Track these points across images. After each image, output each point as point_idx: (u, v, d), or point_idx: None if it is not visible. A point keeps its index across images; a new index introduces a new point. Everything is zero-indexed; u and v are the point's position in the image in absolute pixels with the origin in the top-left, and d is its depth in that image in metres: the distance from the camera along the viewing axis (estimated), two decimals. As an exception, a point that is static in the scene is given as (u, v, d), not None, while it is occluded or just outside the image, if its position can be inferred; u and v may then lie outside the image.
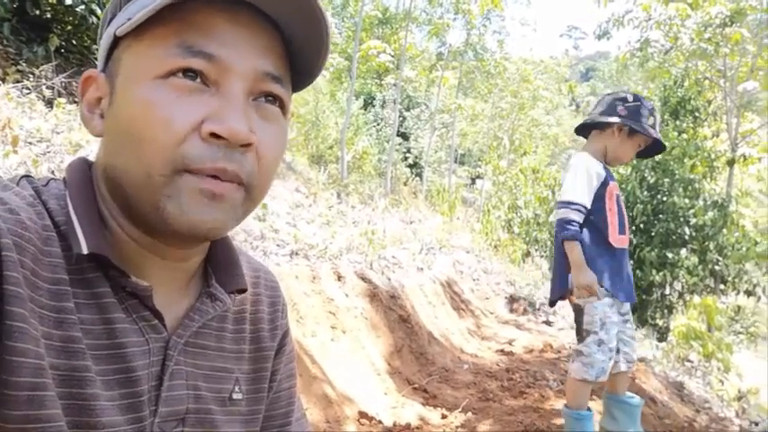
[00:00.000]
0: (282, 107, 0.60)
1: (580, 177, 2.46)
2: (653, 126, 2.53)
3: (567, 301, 2.62)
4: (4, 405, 0.46)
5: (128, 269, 0.57)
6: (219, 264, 0.69)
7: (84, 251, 0.54)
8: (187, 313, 0.63)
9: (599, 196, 2.49)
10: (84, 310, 0.54)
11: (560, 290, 2.51)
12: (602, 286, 2.43)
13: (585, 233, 2.47)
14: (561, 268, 2.50)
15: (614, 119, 2.51)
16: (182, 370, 0.61)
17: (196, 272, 0.67)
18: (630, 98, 2.55)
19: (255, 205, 0.60)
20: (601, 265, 2.44)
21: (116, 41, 0.58)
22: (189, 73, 0.53)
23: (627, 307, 2.59)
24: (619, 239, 2.52)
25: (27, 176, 0.59)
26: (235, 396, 0.68)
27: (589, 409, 2.52)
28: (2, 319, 0.46)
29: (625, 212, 2.62)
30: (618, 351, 2.53)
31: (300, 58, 0.61)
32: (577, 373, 2.45)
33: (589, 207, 2.45)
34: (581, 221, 2.43)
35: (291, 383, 0.81)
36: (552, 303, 2.69)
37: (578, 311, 2.49)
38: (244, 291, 0.71)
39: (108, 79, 0.58)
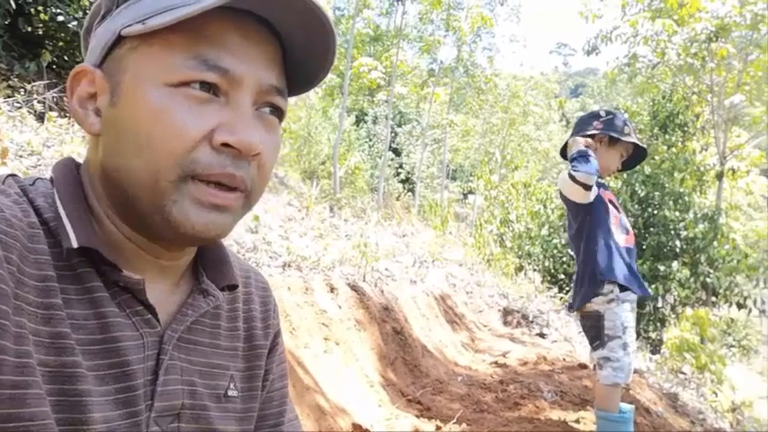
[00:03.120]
0: (281, 117, 0.62)
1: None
2: (629, 135, 2.67)
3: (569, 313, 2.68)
4: None
5: (119, 264, 0.56)
6: (210, 261, 0.69)
7: (75, 245, 0.53)
8: (180, 308, 0.63)
9: (597, 202, 2.59)
10: (76, 306, 0.54)
11: (585, 297, 2.59)
12: (620, 288, 2.52)
13: (594, 238, 2.58)
14: (584, 276, 2.59)
15: (593, 132, 2.67)
16: (176, 365, 0.60)
17: (187, 269, 0.67)
18: (603, 113, 2.73)
19: (251, 208, 0.62)
20: (614, 263, 2.55)
21: (118, 40, 0.57)
22: (204, 85, 0.55)
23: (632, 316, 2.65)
24: (624, 239, 2.64)
25: (13, 175, 0.59)
26: (230, 393, 0.67)
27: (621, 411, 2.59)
28: None
29: (624, 215, 2.74)
30: None
31: (301, 66, 0.62)
32: (608, 379, 2.54)
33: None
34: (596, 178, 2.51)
35: (284, 383, 0.80)
36: (573, 309, 2.79)
37: (597, 318, 2.57)
38: (235, 287, 0.71)
39: (107, 77, 0.57)
